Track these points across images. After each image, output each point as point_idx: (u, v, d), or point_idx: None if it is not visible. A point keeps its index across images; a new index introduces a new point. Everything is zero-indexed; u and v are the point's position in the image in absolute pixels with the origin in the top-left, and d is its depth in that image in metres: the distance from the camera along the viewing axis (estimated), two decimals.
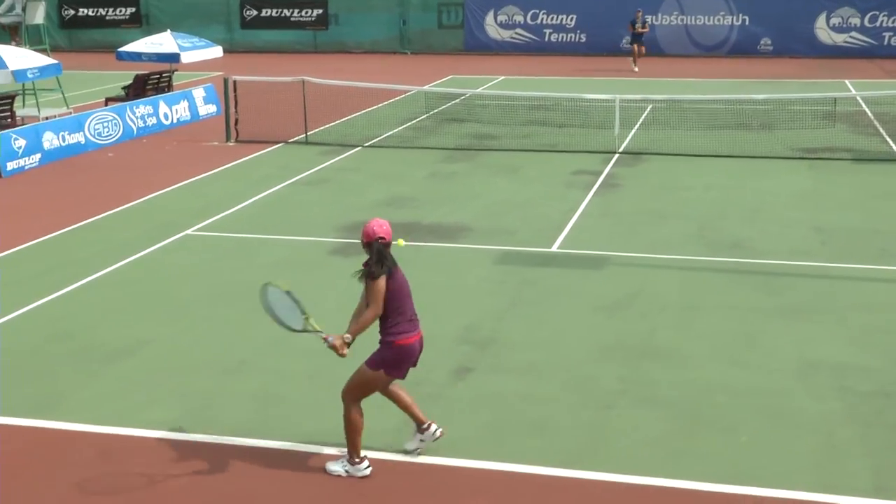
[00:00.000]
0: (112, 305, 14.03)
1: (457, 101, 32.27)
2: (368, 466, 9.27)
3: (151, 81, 31.05)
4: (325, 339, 9.02)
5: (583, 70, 41.80)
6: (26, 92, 29.33)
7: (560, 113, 29.25)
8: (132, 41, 33.37)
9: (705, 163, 23.01)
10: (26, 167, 23.01)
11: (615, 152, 23.97)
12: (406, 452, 9.70)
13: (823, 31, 45.41)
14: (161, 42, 31.00)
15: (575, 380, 11.34)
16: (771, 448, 9.74)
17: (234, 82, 26.64)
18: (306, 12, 50.69)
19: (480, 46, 48.74)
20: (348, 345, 8.97)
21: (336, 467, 9.31)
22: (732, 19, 46.33)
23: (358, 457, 9.27)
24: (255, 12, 51.13)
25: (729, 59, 45.50)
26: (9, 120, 25.86)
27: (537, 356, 12.02)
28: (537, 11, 48.06)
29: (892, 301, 13.90)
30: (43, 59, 26.49)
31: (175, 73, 32.63)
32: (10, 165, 22.55)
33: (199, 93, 30.52)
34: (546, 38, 48.22)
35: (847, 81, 36.87)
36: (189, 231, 17.60)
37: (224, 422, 10.38)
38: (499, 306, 13.78)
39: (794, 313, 13.37)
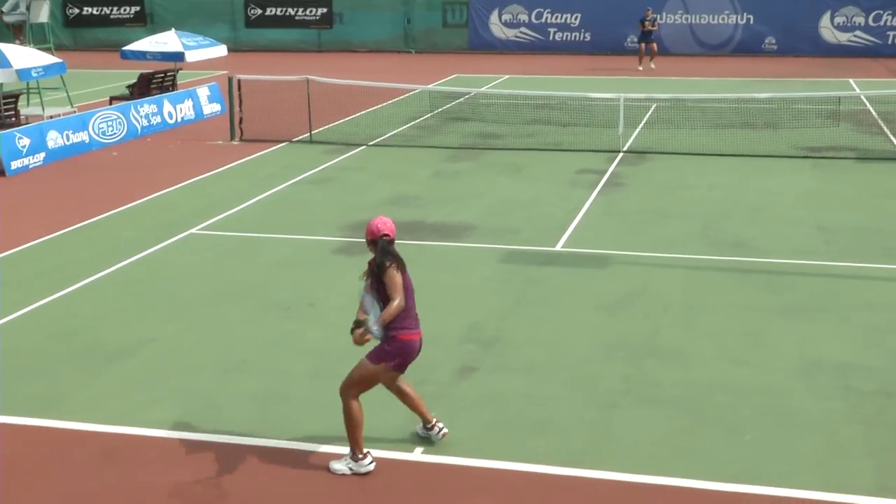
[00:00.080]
0: (115, 304, 14.03)
1: (461, 100, 32.28)
2: (372, 462, 9.28)
3: (156, 80, 31.06)
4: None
5: (587, 69, 41.79)
6: (30, 91, 29.34)
7: (564, 112, 29.24)
8: (136, 40, 33.43)
9: (709, 162, 23.00)
10: (30, 166, 23.03)
11: (619, 151, 23.97)
12: (416, 434, 9.89)
13: (828, 30, 45.37)
14: (165, 41, 31.04)
15: (578, 379, 11.34)
16: (774, 447, 9.73)
17: (239, 81, 26.63)
18: (311, 11, 50.70)
19: (485, 45, 48.74)
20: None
21: (339, 466, 9.31)
22: (737, 18, 46.30)
23: (361, 452, 9.27)
24: (259, 11, 51.15)
25: (733, 58, 45.48)
26: (13, 119, 25.91)
27: (541, 355, 12.02)
28: (542, 10, 48.04)
29: (895, 300, 13.88)
30: (47, 58, 26.50)
31: (179, 71, 32.65)
32: (15, 164, 22.56)
33: (203, 92, 30.53)
34: (550, 37, 48.20)
35: (851, 80, 36.84)
36: (193, 230, 17.61)
37: (226, 421, 10.38)
38: (503, 305, 13.78)
39: (798, 312, 13.36)
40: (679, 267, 15.43)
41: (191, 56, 30.68)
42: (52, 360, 12.06)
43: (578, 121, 27.58)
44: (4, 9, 46.50)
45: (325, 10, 50.56)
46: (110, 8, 52.74)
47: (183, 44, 30.67)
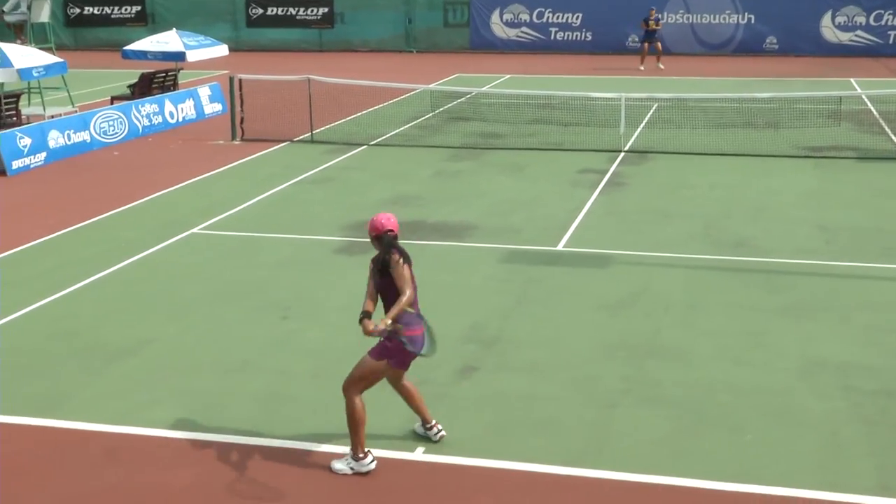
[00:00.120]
0: (115, 304, 14.04)
1: (462, 99, 32.28)
2: (373, 461, 9.28)
3: (157, 80, 31.08)
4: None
5: (588, 69, 41.79)
6: (32, 90, 29.32)
7: (566, 111, 29.24)
8: (138, 40, 33.46)
9: (711, 161, 23.00)
10: (31, 166, 23.03)
11: (621, 151, 23.97)
12: (413, 431, 9.94)
13: (829, 29, 45.37)
14: (167, 40, 31.06)
15: (579, 379, 11.34)
16: (775, 447, 9.73)
17: (240, 81, 26.63)
18: (312, 11, 50.71)
19: (486, 45, 48.75)
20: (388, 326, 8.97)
21: (340, 465, 9.31)
22: (738, 18, 46.31)
23: (362, 451, 9.27)
24: (260, 11, 51.16)
25: (734, 57, 45.49)
26: (14, 118, 25.91)
27: (542, 355, 12.02)
28: (543, 10, 48.04)
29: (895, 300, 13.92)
30: (48, 58, 26.52)
31: (180, 71, 32.67)
32: (16, 164, 22.57)
33: (204, 91, 30.54)
34: (552, 37, 48.21)
35: (852, 80, 36.83)
36: (194, 230, 17.61)
37: (227, 421, 10.38)
38: (504, 305, 13.78)
39: (799, 312, 13.36)
40: (680, 267, 15.43)
41: (192, 56, 30.70)
42: (52, 360, 12.06)
43: (580, 120, 27.57)
44: (6, 8, 46.54)
45: (326, 9, 50.57)
46: (111, 7, 52.76)
47: (184, 43, 30.69)
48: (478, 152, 24.29)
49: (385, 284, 9.12)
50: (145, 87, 30.48)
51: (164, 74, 31.39)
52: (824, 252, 15.99)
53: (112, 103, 28.89)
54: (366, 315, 9.07)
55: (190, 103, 29.65)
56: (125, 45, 32.59)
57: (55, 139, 23.97)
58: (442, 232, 17.26)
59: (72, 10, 53.04)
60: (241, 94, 26.48)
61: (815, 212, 18.41)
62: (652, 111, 29.20)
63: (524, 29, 48.45)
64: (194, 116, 29.60)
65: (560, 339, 12.55)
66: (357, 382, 9.26)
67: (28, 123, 25.19)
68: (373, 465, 9.25)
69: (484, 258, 15.91)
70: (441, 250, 16.28)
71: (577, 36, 48.00)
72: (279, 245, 16.72)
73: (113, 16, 52.82)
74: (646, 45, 41.46)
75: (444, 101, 31.73)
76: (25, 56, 25.61)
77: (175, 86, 31.71)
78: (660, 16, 43.18)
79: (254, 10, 51.23)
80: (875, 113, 29.01)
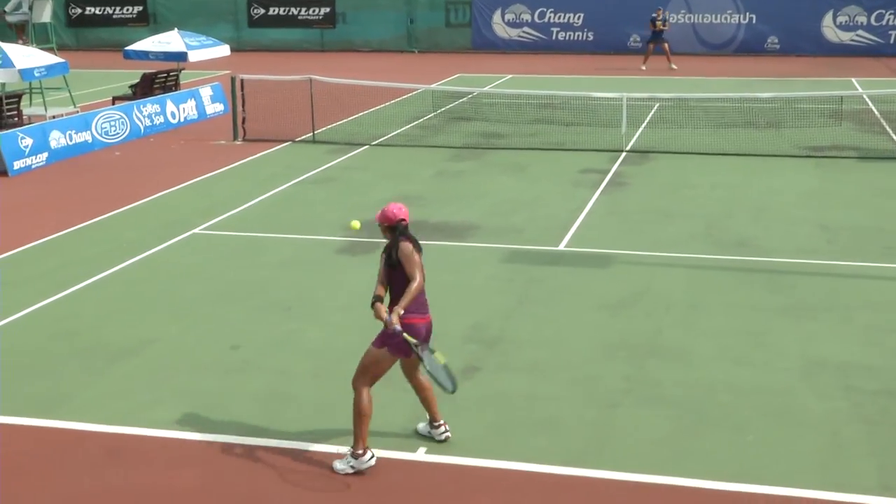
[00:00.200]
0: (117, 304, 14.05)
1: (464, 99, 32.29)
2: (372, 457, 9.28)
3: (159, 80, 31.09)
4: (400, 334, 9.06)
5: (590, 69, 41.78)
6: (33, 91, 29.34)
7: (567, 111, 29.23)
8: (139, 40, 33.46)
9: (712, 161, 23.00)
10: (33, 166, 23.04)
11: (622, 151, 23.97)
12: (416, 431, 9.97)
13: (830, 29, 45.36)
14: (168, 41, 31.06)
15: (581, 378, 11.35)
16: (776, 447, 9.74)
17: (242, 81, 26.64)
18: (314, 11, 50.70)
19: (488, 45, 48.74)
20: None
21: (341, 465, 9.31)
22: (739, 18, 46.29)
23: (361, 448, 9.26)
24: (262, 11, 51.16)
25: (736, 57, 45.47)
26: (16, 119, 25.92)
27: (543, 355, 12.03)
28: (545, 10, 48.03)
29: None
30: (50, 58, 26.53)
31: (182, 71, 32.68)
32: (17, 164, 22.58)
33: (206, 91, 30.55)
34: (553, 37, 48.20)
35: (854, 80, 36.83)
36: (196, 230, 17.62)
37: (228, 421, 10.39)
38: (506, 305, 13.79)
39: (800, 312, 13.36)
40: (681, 266, 15.43)
41: (194, 56, 30.69)
42: (54, 360, 12.07)
43: (581, 120, 27.57)
44: (7, 9, 46.56)
45: (328, 9, 50.56)
46: (113, 8, 52.76)
47: (186, 44, 30.69)
48: (479, 152, 24.30)
49: (393, 275, 9.18)
50: (147, 87, 30.50)
51: (165, 75, 31.40)
52: (825, 252, 15.99)
53: (113, 103, 28.91)
54: (377, 299, 9.17)
55: (191, 103, 29.66)
56: (127, 46, 32.58)
57: (57, 139, 23.98)
58: (444, 232, 17.27)
59: (73, 11, 53.05)
60: (242, 95, 26.48)
61: (817, 211, 18.42)
62: (653, 111, 29.19)
63: (526, 29, 48.44)
64: (196, 117, 29.61)
65: (561, 338, 12.56)
66: (363, 373, 9.30)
67: (29, 124, 25.20)
68: (372, 462, 9.26)
69: (485, 258, 15.92)
70: (443, 250, 16.28)
71: (578, 36, 47.99)
72: (281, 245, 16.73)
73: (114, 16, 52.82)
74: (651, 45, 41.36)
75: (446, 101, 31.72)
76: (27, 56, 25.63)
77: (177, 86, 31.72)
78: (667, 16, 43.10)
79: (255, 10, 51.23)
80: (876, 113, 29.01)
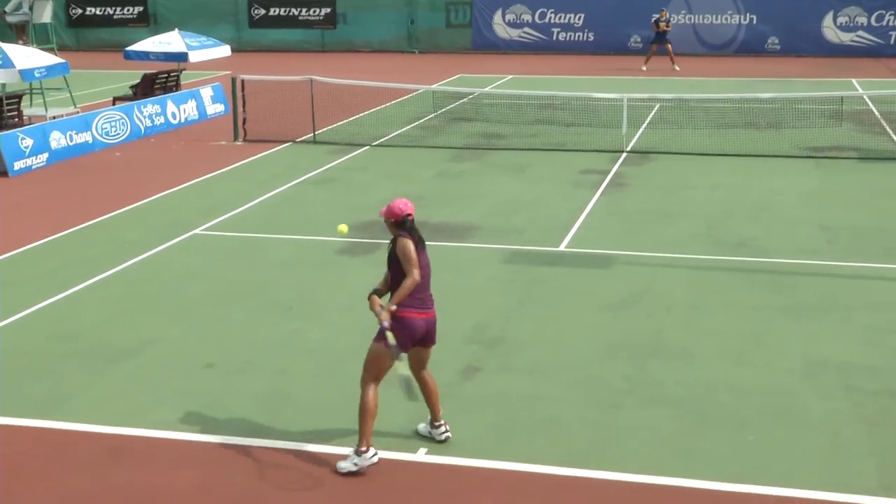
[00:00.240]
0: (118, 305, 14.05)
1: (465, 100, 32.29)
2: (375, 454, 9.28)
3: (159, 80, 31.10)
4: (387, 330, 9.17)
5: (591, 69, 41.78)
6: (33, 91, 29.36)
7: (568, 112, 29.23)
8: (140, 40, 33.48)
9: (712, 162, 23.01)
10: (33, 167, 23.04)
11: (623, 151, 23.97)
12: (416, 432, 9.96)
13: (830, 30, 45.37)
14: (169, 41, 31.08)
15: (582, 379, 11.35)
16: (777, 447, 9.74)
17: (242, 81, 26.64)
18: (314, 11, 50.71)
19: (488, 45, 48.75)
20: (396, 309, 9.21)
21: (345, 464, 9.30)
22: (740, 18, 46.31)
23: (364, 445, 9.26)
24: (263, 11, 51.17)
25: (736, 57, 45.49)
26: (16, 119, 25.92)
27: (545, 355, 12.03)
28: (545, 10, 48.04)
29: None
30: (50, 59, 26.54)
31: (183, 72, 32.68)
32: (18, 165, 22.58)
33: (206, 92, 30.55)
34: (554, 37, 48.21)
35: (854, 80, 36.84)
36: (196, 230, 17.62)
37: (229, 421, 10.39)
38: (507, 305, 13.79)
39: (801, 312, 13.36)
40: (682, 267, 15.44)
41: (194, 56, 30.71)
42: (55, 361, 12.07)
43: (582, 121, 27.58)
44: (7, 9, 46.56)
45: (328, 10, 50.57)
46: (113, 8, 52.77)
47: (186, 44, 30.71)
48: (480, 153, 24.30)
49: (394, 270, 9.28)
50: (147, 87, 30.50)
51: (166, 75, 31.41)
52: (826, 252, 15.99)
53: (114, 104, 28.91)
54: (375, 291, 9.33)
55: (192, 104, 29.66)
56: (127, 46, 32.60)
57: (57, 140, 23.98)
58: (444, 232, 17.26)
59: (74, 11, 53.05)
60: (243, 95, 26.48)
61: (817, 212, 18.42)
62: (654, 112, 29.19)
63: (526, 29, 48.45)
64: (196, 117, 29.61)
65: (562, 339, 12.56)
66: (367, 370, 9.36)
67: (30, 124, 25.19)
68: (375, 459, 9.26)
69: (486, 259, 15.92)
70: (443, 251, 16.26)
71: (579, 36, 48.00)
72: (282, 246, 16.73)
73: (115, 16, 52.82)
74: (655, 46, 41.30)
75: (447, 101, 31.72)
76: (27, 57, 25.63)
77: (177, 86, 31.72)
78: (670, 17, 43.06)
79: (256, 11, 51.24)
80: (876, 113, 29.02)
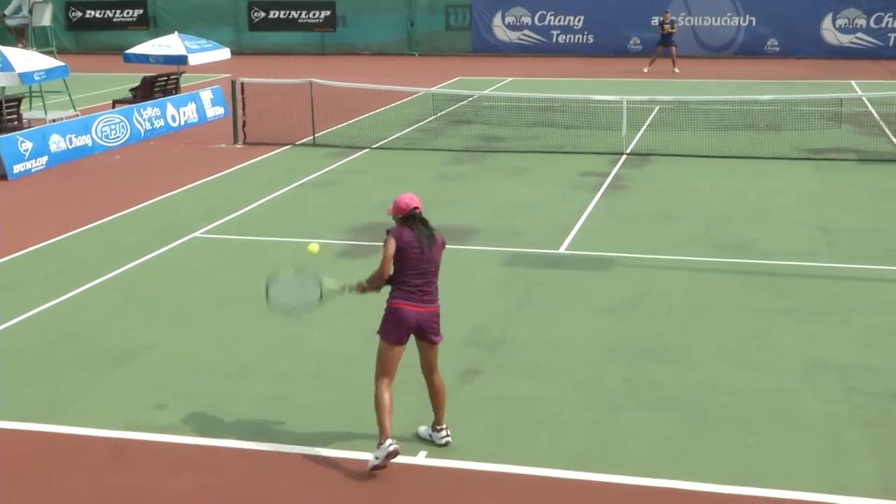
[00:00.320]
0: (118, 308, 14.05)
1: (464, 102, 32.28)
2: (391, 444, 9.22)
3: (159, 84, 31.11)
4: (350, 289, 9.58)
5: (590, 71, 41.78)
6: (33, 94, 29.38)
7: (567, 114, 29.25)
8: (139, 43, 33.46)
9: (712, 164, 23.01)
10: (33, 170, 23.04)
11: (622, 154, 23.97)
12: (417, 434, 9.97)
13: (829, 32, 45.38)
14: (168, 44, 31.08)
15: (582, 381, 11.35)
16: (777, 449, 9.74)
17: (242, 84, 26.65)
18: (314, 14, 50.72)
19: (488, 48, 48.76)
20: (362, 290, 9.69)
21: (371, 458, 9.33)
22: (739, 20, 46.31)
23: (382, 438, 9.27)
24: (262, 14, 51.18)
25: (735, 60, 45.50)
26: (15, 122, 25.93)
27: (544, 358, 12.03)
28: (545, 13, 48.05)
29: None
30: (50, 62, 26.53)
31: (182, 75, 32.69)
32: (17, 168, 22.58)
33: (206, 95, 30.55)
34: (553, 40, 48.22)
35: (853, 82, 36.85)
36: (196, 233, 17.62)
37: (230, 425, 10.39)
38: (506, 308, 13.79)
39: (801, 314, 13.37)
40: (682, 269, 15.44)
41: (194, 59, 30.70)
42: (55, 365, 12.07)
43: (581, 123, 27.59)
44: (7, 12, 46.57)
45: (328, 13, 50.58)
46: (113, 11, 52.79)
47: (186, 47, 30.70)
48: (480, 155, 24.30)
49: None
50: (147, 90, 30.52)
51: (166, 78, 31.43)
52: (826, 254, 16.00)
53: (114, 107, 28.91)
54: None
55: (192, 107, 29.66)
56: (127, 49, 32.61)
57: (57, 143, 23.99)
58: (444, 235, 17.20)
59: (73, 14, 53.05)
60: (243, 98, 26.48)
61: (817, 214, 18.43)
62: (653, 114, 29.19)
63: (526, 32, 48.45)
64: (196, 120, 29.61)
65: (562, 341, 12.56)
66: (377, 368, 9.46)
67: (29, 127, 25.18)
68: (391, 449, 9.19)
69: (486, 261, 15.92)
70: (443, 253, 16.25)
71: (578, 39, 48.01)
72: (281, 248, 16.72)
73: (115, 19, 52.83)
74: (659, 48, 41.23)
75: (446, 104, 31.73)
76: (27, 60, 25.61)
77: (177, 89, 31.74)
78: (675, 18, 43.00)
79: (256, 14, 51.25)
80: (875, 115, 29.03)
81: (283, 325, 13.21)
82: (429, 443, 9.85)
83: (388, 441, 9.24)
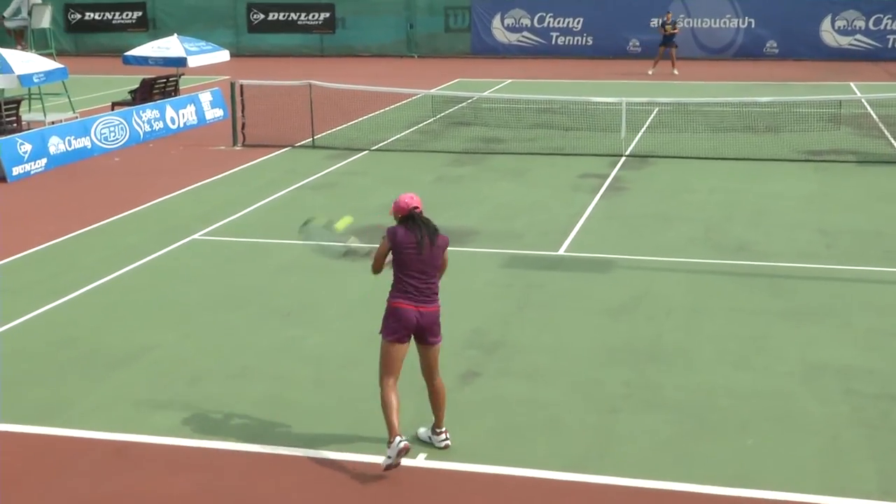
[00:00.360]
0: (117, 311, 14.04)
1: (464, 104, 32.29)
2: (400, 441, 9.18)
3: (158, 86, 31.11)
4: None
5: (589, 73, 41.78)
6: (32, 96, 29.38)
7: (566, 116, 29.25)
8: (139, 45, 33.53)
9: (711, 165, 23.01)
10: (32, 172, 23.04)
11: (622, 155, 23.97)
12: (416, 436, 9.95)
13: (829, 33, 45.40)
14: (168, 46, 31.10)
15: (581, 383, 11.34)
16: (777, 451, 9.74)
17: (241, 86, 26.64)
18: (313, 16, 50.73)
19: (487, 50, 48.77)
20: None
21: (383, 459, 9.31)
22: (738, 22, 46.32)
23: (391, 436, 9.25)
24: (262, 16, 51.19)
25: (735, 61, 45.52)
26: (15, 125, 25.92)
27: (544, 360, 12.02)
28: (544, 14, 48.06)
29: None
30: (49, 64, 26.55)
31: (182, 77, 32.69)
32: (16, 170, 22.58)
33: (205, 97, 30.54)
34: (553, 42, 48.23)
35: (852, 84, 36.87)
36: (195, 236, 17.61)
37: (229, 427, 10.39)
38: (506, 310, 13.79)
39: (800, 316, 13.36)
40: (681, 271, 15.44)
41: (193, 61, 30.72)
42: (54, 367, 12.06)
43: (580, 125, 27.59)
44: (6, 14, 46.52)
45: (327, 14, 50.59)
46: (112, 13, 52.80)
47: (185, 49, 30.72)
48: (479, 157, 24.30)
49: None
50: (146, 92, 30.51)
51: (165, 80, 31.43)
52: (825, 256, 16.00)
53: (113, 109, 28.88)
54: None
55: (191, 109, 29.66)
56: (126, 51, 32.64)
57: (56, 145, 23.98)
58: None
59: (73, 16, 53.07)
60: (242, 100, 26.48)
61: (816, 215, 18.43)
62: (653, 115, 29.19)
63: (525, 34, 48.46)
64: (195, 122, 29.61)
65: (561, 343, 12.55)
66: (381, 368, 9.48)
67: (28, 129, 25.17)
68: (401, 446, 9.15)
69: (485, 263, 15.91)
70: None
71: (578, 41, 48.03)
72: (281, 250, 16.72)
73: (114, 21, 52.84)
74: (662, 49, 41.20)
75: (446, 105, 31.74)
76: (26, 62, 25.62)
77: (176, 91, 31.74)
78: (676, 19, 42.96)
79: (255, 16, 51.26)
80: (875, 117, 29.02)
81: (281, 327, 13.24)
82: (428, 445, 9.85)
83: (398, 438, 9.22)
